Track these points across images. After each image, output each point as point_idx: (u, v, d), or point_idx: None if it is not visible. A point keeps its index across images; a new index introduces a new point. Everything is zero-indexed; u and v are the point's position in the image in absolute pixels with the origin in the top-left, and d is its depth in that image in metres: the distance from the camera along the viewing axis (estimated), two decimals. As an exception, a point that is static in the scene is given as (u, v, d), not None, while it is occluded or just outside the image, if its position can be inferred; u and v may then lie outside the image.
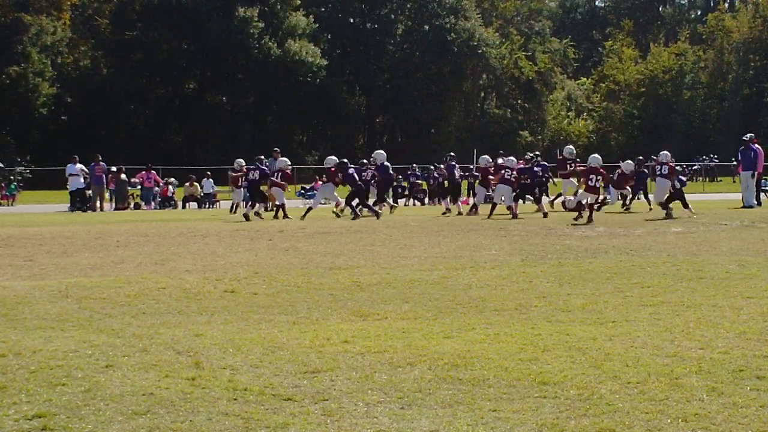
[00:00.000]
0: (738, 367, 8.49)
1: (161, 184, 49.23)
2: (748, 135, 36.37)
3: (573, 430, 6.81)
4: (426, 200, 49.33)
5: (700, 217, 27.79)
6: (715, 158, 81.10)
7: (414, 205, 47.48)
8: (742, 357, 8.90)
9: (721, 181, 73.83)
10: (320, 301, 12.99)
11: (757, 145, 35.78)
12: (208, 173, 50.85)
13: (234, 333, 10.59)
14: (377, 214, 30.04)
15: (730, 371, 8.34)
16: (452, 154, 36.77)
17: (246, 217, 29.96)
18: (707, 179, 70.69)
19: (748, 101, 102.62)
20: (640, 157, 36.50)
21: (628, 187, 33.88)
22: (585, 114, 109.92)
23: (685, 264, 16.54)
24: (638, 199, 35.01)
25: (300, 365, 8.90)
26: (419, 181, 51.09)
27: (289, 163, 33.74)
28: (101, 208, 43.21)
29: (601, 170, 29.41)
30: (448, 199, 34.56)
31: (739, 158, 36.74)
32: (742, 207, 33.64)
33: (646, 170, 35.28)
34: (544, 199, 33.94)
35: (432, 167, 49.75)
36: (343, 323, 11.18)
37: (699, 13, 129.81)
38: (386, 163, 34.19)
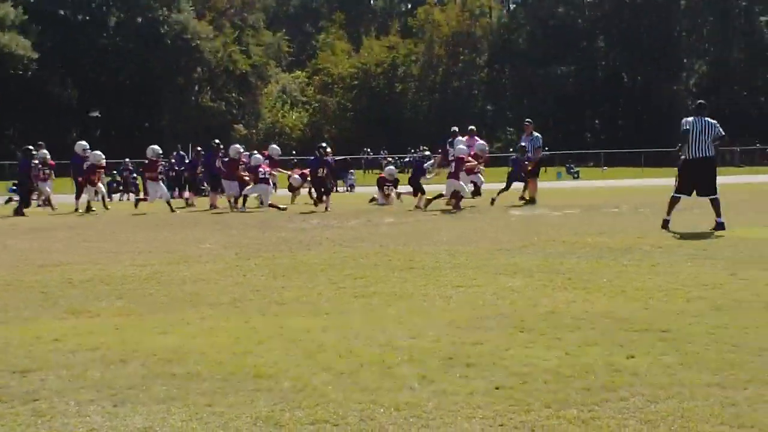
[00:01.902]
0: (447, 354, 8.70)
1: None
2: (455, 128, 37.41)
3: (287, 422, 6.83)
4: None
5: (413, 207, 28.39)
6: (426, 150, 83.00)
7: (128, 199, 46.72)
8: (451, 345, 9.12)
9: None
10: (31, 299, 12.62)
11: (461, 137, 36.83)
12: None
13: (-63, 335, 10.18)
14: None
15: (440, 359, 8.53)
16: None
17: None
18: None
19: (458, 93, 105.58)
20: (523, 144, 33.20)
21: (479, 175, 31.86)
22: (299, 107, 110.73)
23: (397, 254, 16.84)
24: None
25: (8, 365, 8.63)
26: (135, 176, 50.47)
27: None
28: None
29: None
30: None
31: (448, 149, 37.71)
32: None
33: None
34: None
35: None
36: (54, 321, 10.90)
37: (409, 6, 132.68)
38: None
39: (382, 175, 34.66)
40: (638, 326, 9.89)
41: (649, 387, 7.50)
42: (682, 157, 21.16)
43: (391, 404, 7.16)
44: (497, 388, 7.53)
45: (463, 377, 7.91)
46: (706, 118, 21.02)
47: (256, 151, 36.37)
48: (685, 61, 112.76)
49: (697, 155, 20.95)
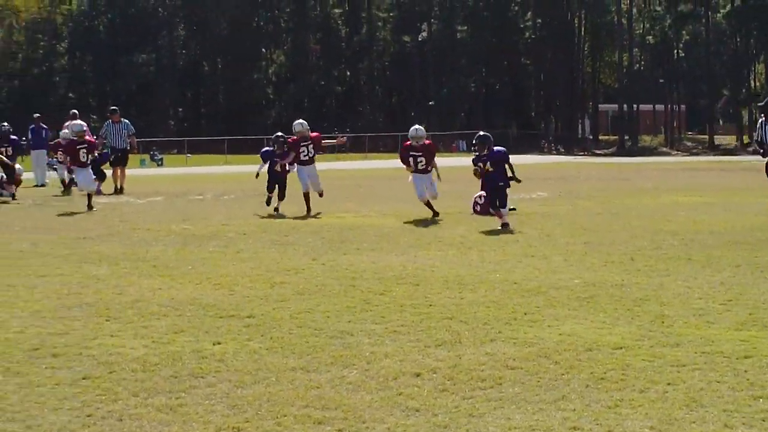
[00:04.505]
0: (33, 346, 8.55)
1: None
2: (37, 114, 36.75)
3: None
4: None
5: None
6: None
7: None
8: (36, 335, 8.97)
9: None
10: None
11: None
12: None
13: None
14: None
15: (25, 350, 8.38)
16: None
17: None
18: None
19: (38, 81, 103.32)
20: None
21: None
22: None
23: (-22, 244, 16.37)
24: None
25: None
26: None
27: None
28: None
29: None
30: None
31: (30, 136, 36.95)
32: (34, 186, 33.75)
33: None
34: None
35: None
36: None
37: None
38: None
39: None
40: (224, 312, 10.08)
41: (236, 373, 7.66)
42: None
43: (-30, 400, 6.97)
44: (84, 378, 7.48)
45: (49, 368, 7.81)
46: None
47: None
48: (263, 50, 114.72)
49: None
